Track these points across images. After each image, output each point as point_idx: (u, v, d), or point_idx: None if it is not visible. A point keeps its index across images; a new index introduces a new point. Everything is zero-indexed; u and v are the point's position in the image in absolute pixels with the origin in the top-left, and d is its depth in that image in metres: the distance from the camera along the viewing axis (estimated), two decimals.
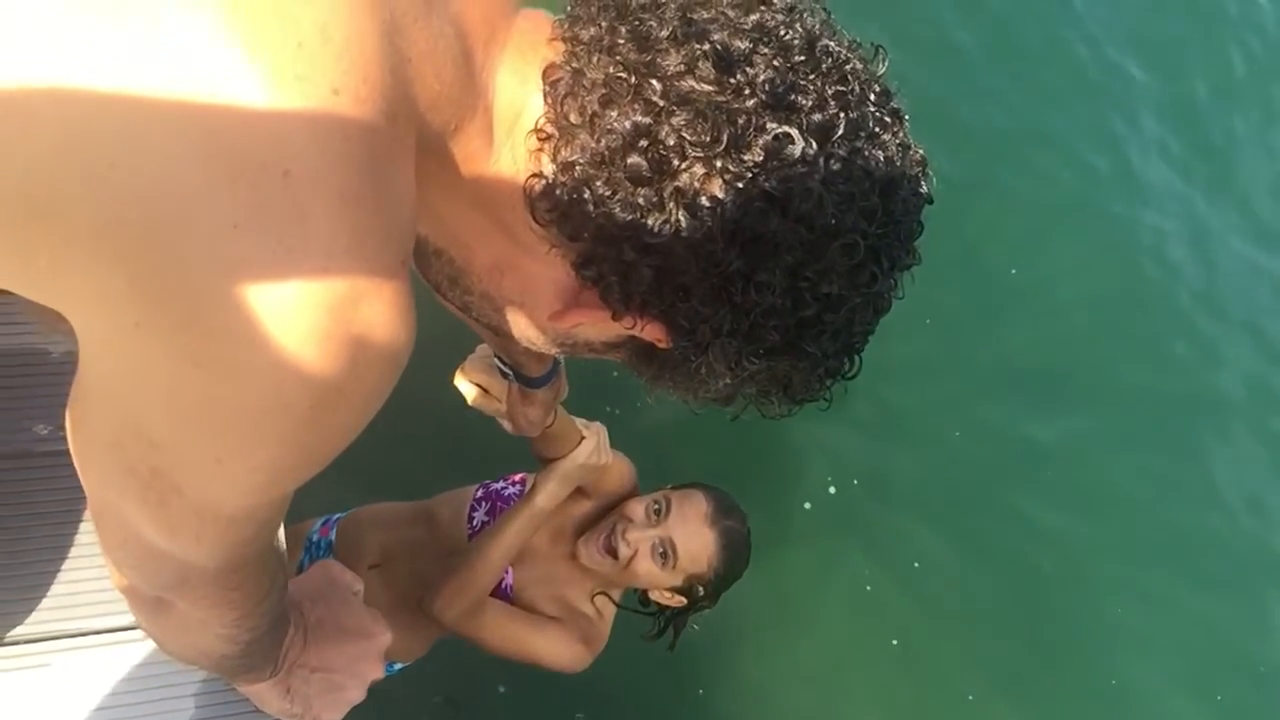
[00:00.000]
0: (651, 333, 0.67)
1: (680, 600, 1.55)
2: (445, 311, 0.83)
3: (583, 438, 1.52)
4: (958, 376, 3.14)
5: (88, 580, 1.17)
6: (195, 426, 0.56)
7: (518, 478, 1.70)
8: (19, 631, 1.15)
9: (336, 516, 1.79)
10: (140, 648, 1.17)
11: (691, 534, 1.48)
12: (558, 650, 1.51)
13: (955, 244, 3.05)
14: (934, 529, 2.88)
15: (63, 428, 0.64)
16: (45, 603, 1.16)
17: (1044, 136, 3.65)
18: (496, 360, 1.41)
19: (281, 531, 1.23)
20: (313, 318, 0.52)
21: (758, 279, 0.61)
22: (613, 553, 1.50)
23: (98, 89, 0.48)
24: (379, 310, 0.54)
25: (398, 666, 1.73)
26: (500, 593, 1.58)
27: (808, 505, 2.78)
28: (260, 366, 0.52)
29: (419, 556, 1.65)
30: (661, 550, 1.48)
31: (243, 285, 0.50)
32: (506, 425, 1.49)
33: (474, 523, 1.66)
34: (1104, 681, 2.86)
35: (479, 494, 1.69)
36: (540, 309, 0.72)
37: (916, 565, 2.81)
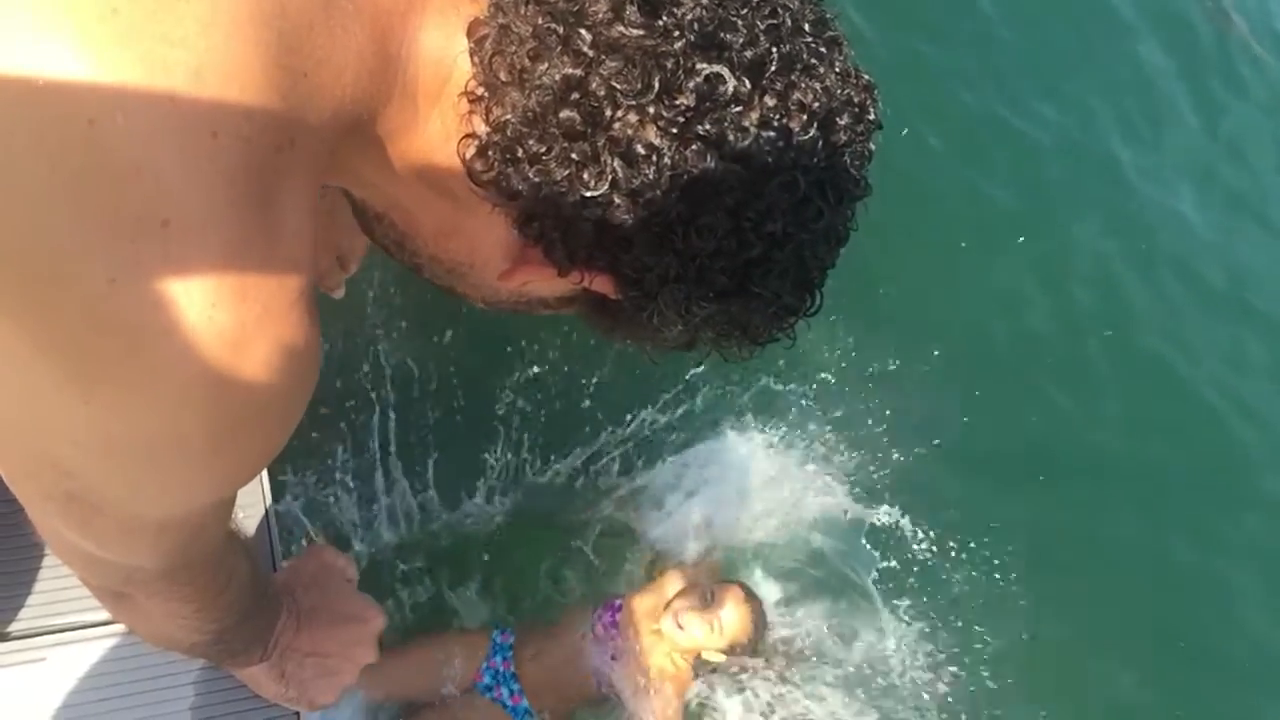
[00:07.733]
0: (600, 285, 0.66)
1: (723, 656, 2.27)
2: None
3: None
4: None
5: None
6: (102, 460, 0.56)
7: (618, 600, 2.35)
8: (14, 627, 1.16)
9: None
10: (134, 639, 1.17)
11: (731, 613, 2.25)
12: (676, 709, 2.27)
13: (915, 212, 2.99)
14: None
15: None
16: (37, 598, 1.17)
17: None
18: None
19: (260, 523, 1.23)
20: (198, 366, 0.51)
21: (699, 223, 0.60)
22: (681, 627, 2.25)
23: None
24: (269, 350, 0.54)
25: None
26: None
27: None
28: (153, 408, 0.52)
29: (558, 647, 2.34)
30: (711, 626, 2.25)
31: (124, 338, 0.49)
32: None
33: (597, 613, 2.32)
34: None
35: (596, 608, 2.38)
36: (489, 269, 0.71)
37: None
